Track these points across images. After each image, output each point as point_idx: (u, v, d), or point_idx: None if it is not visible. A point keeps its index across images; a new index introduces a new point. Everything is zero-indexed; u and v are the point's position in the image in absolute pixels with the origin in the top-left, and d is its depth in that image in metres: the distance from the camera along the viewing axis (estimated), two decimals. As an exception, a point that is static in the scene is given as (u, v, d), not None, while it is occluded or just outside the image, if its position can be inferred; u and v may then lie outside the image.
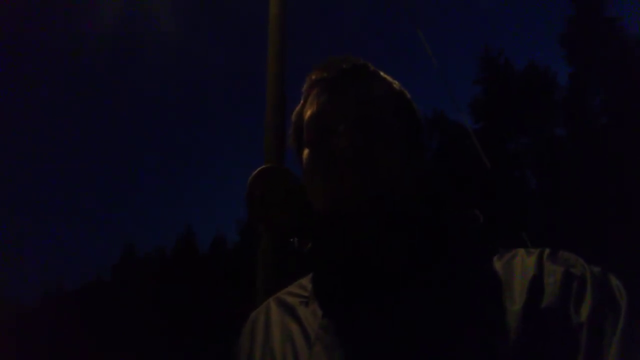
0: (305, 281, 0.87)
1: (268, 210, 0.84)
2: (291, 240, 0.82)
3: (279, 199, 0.83)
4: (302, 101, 0.86)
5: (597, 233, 16.78)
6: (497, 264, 0.71)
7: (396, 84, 0.86)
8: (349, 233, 0.74)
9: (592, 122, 21.70)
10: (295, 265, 0.85)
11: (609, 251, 13.99)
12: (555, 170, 21.05)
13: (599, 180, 18.22)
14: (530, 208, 19.99)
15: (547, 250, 0.70)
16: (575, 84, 22.77)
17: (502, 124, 23.69)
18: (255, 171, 0.89)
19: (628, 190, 17.21)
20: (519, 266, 0.69)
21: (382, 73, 0.85)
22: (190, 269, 34.17)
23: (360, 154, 0.74)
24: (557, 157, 21.39)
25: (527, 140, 24.03)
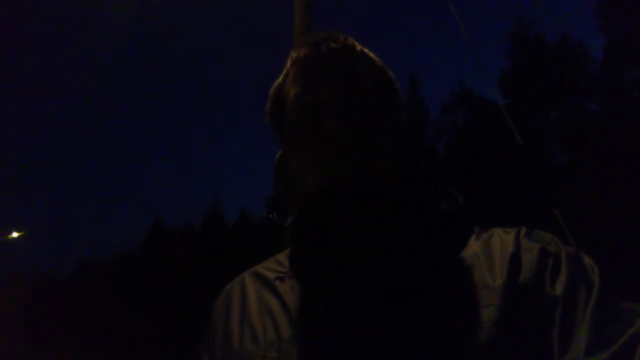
0: (282, 257, 0.87)
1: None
2: (270, 215, 0.81)
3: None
4: (282, 76, 0.84)
5: (629, 211, 16.44)
6: (476, 244, 0.73)
7: (379, 62, 0.84)
8: (342, 214, 0.73)
9: (626, 97, 21.06)
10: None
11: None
12: (586, 147, 20.58)
13: (631, 157, 17.76)
14: (559, 185, 19.62)
15: (523, 229, 0.73)
16: (609, 56, 22.07)
17: (531, 99, 23.17)
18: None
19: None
20: (498, 244, 0.71)
21: (366, 50, 0.83)
22: (218, 243, 34.69)
23: (354, 136, 0.73)
24: (588, 133, 20.87)
25: (556, 115, 23.47)
